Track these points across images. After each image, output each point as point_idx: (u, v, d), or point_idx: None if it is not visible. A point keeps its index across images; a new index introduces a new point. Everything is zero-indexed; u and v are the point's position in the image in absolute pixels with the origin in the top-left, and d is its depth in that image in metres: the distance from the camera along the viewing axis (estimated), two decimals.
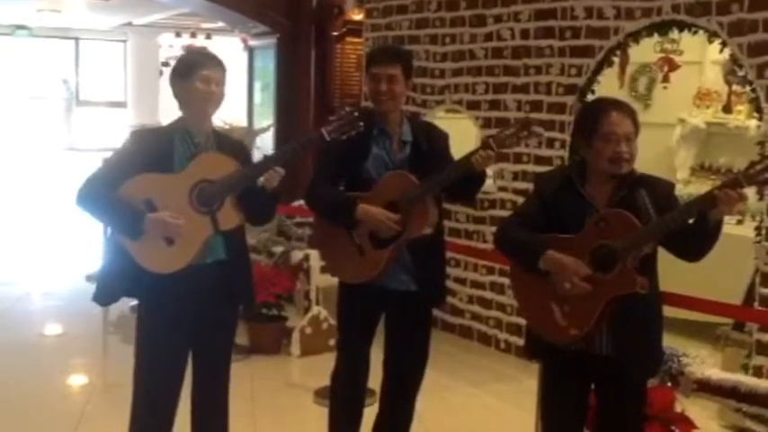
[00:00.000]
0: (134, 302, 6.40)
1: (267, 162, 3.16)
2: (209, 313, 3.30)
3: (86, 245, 8.61)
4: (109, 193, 3.17)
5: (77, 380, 5.38)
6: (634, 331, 2.96)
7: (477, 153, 3.33)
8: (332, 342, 3.83)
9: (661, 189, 2.99)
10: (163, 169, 3.18)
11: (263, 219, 3.52)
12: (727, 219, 6.08)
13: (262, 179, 3.15)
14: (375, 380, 3.83)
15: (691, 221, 2.83)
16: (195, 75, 3.20)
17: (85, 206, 3.26)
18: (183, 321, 3.27)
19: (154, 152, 3.21)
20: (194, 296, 3.23)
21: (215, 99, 3.25)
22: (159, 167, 3.18)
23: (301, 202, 3.78)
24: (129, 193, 3.16)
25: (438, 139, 3.66)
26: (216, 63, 3.27)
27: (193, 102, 3.23)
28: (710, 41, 4.97)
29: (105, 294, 3.38)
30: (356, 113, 3.21)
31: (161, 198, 3.15)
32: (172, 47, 18.87)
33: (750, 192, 3.18)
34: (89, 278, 7.55)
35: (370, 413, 3.85)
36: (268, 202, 3.25)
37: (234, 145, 3.39)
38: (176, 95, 3.28)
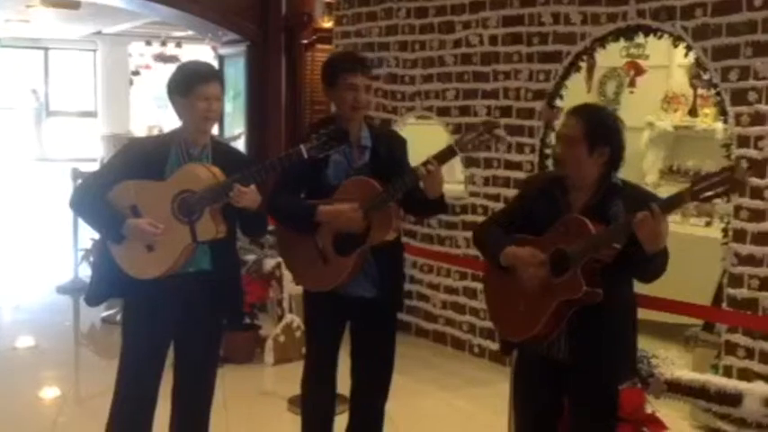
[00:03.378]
0: (105, 314, 6.42)
1: (242, 178, 3.12)
2: (193, 323, 3.32)
3: (57, 257, 8.56)
4: (98, 197, 3.23)
5: (49, 392, 5.34)
6: (593, 338, 2.97)
7: (426, 164, 3.29)
8: (305, 350, 3.82)
9: (640, 199, 2.95)
10: (153, 177, 3.21)
11: (254, 231, 3.54)
12: (696, 221, 6.18)
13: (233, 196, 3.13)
14: (347, 386, 3.83)
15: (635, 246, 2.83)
16: (195, 92, 3.20)
17: (75, 208, 3.35)
18: (166, 324, 3.30)
19: (147, 160, 3.25)
20: (177, 303, 3.26)
21: (215, 116, 3.26)
22: (150, 175, 3.21)
23: None
24: (116, 198, 3.22)
25: (397, 145, 3.67)
26: (215, 78, 3.27)
27: (193, 119, 3.24)
28: (675, 46, 5.03)
29: (95, 295, 3.42)
30: (339, 132, 3.18)
31: (145, 205, 3.20)
32: (142, 55, 18.79)
33: None
34: (60, 290, 7.54)
35: (342, 420, 3.86)
36: (252, 217, 3.24)
37: (232, 156, 3.38)
38: (175, 111, 3.29)
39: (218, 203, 3.14)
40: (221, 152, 3.35)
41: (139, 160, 3.25)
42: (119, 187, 3.22)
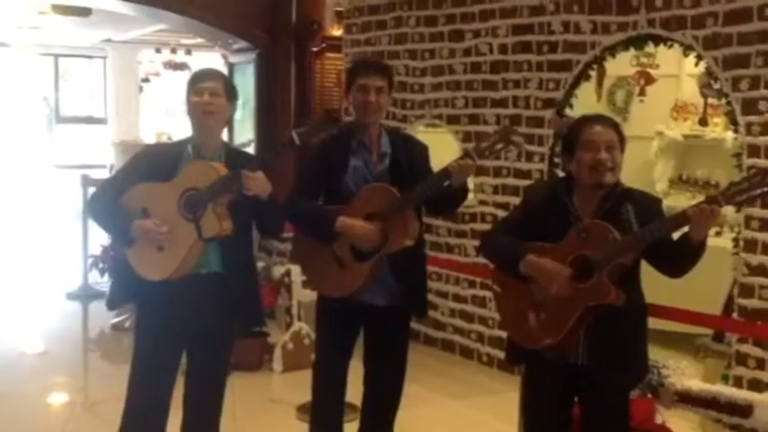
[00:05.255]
0: (115, 320, 6.43)
1: (241, 169, 3.14)
2: (206, 326, 3.32)
3: (67, 263, 8.57)
4: (110, 202, 3.29)
5: (58, 398, 5.35)
6: (612, 342, 2.98)
7: (455, 163, 3.34)
8: (314, 357, 3.82)
9: (647, 204, 3.02)
10: (165, 178, 3.24)
11: (270, 227, 3.51)
12: None
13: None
14: (357, 395, 3.83)
15: (675, 239, 2.87)
16: (191, 89, 3.28)
17: (91, 215, 3.48)
18: (179, 329, 3.31)
19: (160, 165, 3.29)
20: (190, 306, 3.27)
21: (210, 110, 3.26)
22: (161, 179, 3.24)
23: None
24: (127, 201, 3.27)
25: (417, 151, 3.67)
26: (209, 75, 3.32)
27: (192, 115, 3.29)
28: (686, 55, 5.02)
29: (112, 299, 3.48)
30: (328, 117, 3.20)
31: (154, 206, 3.24)
32: (152, 63, 18.83)
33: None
34: (69, 296, 7.56)
35: (353, 428, 3.85)
36: (267, 210, 3.25)
37: (245, 159, 3.38)
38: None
39: (223, 198, 3.15)
40: (234, 156, 3.37)
41: (152, 165, 3.30)
42: (131, 191, 3.27)
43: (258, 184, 3.13)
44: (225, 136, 10.36)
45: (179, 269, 3.20)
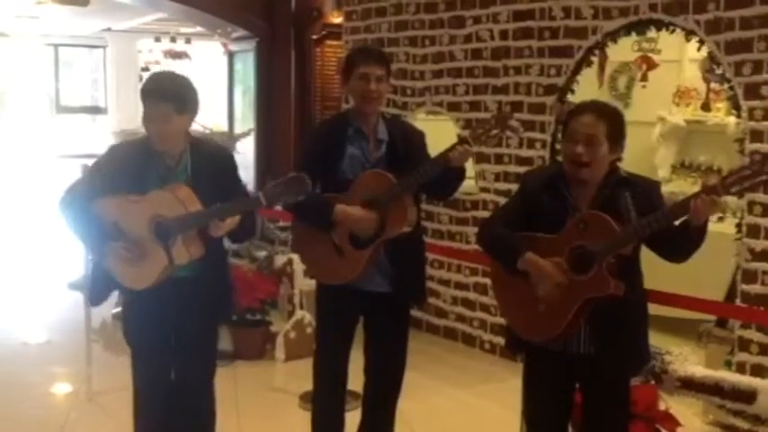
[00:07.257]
0: (116, 310, 6.42)
1: (212, 213, 3.12)
2: (185, 323, 3.35)
3: (68, 253, 8.57)
4: (84, 210, 3.29)
5: (61, 388, 5.35)
6: (614, 330, 2.97)
7: (453, 149, 3.32)
8: (314, 346, 3.82)
9: (645, 189, 2.99)
10: (134, 186, 3.22)
11: (242, 240, 3.56)
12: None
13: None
14: (360, 383, 3.83)
15: (677, 224, 2.85)
16: None
17: (64, 215, 3.40)
18: (162, 322, 3.34)
19: (129, 171, 3.26)
20: (168, 304, 3.29)
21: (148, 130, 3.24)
22: (131, 184, 3.23)
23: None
24: (100, 212, 3.26)
25: (414, 138, 3.66)
26: (152, 94, 3.22)
27: None
28: (688, 40, 5.00)
29: (96, 294, 3.49)
30: (302, 181, 3.07)
31: (126, 223, 3.24)
32: (152, 52, 18.80)
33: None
34: (71, 286, 7.55)
35: (355, 416, 3.85)
36: (237, 231, 3.25)
37: (213, 166, 3.33)
38: None
39: (190, 230, 3.15)
40: (201, 159, 3.31)
41: (121, 171, 3.27)
42: (101, 203, 3.26)
43: (225, 230, 3.15)
44: (224, 124, 10.32)
45: (154, 284, 3.23)
